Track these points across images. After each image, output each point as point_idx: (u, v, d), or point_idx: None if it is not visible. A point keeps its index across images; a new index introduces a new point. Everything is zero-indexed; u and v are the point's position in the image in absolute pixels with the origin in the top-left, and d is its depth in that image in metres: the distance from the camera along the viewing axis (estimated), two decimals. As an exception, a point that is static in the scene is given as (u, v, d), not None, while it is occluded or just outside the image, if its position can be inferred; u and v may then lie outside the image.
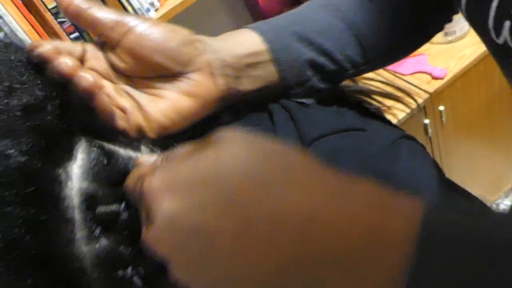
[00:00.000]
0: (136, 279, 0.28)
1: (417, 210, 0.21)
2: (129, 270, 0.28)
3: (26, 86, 0.27)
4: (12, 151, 0.24)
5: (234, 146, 0.24)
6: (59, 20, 1.15)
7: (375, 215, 0.21)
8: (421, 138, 1.24)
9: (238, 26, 1.53)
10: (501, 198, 1.80)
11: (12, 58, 0.29)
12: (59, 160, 0.27)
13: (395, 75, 1.35)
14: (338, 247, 0.21)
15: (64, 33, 1.16)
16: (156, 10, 1.20)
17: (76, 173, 0.28)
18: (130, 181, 0.28)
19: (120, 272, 0.27)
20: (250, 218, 0.22)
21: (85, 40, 1.21)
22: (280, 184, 0.22)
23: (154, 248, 0.25)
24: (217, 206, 0.22)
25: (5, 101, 0.26)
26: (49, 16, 1.12)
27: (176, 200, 0.23)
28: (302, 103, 0.40)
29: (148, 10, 1.18)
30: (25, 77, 0.28)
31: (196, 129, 0.38)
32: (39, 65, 0.29)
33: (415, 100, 0.55)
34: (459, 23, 1.32)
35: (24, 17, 1.10)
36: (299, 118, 0.38)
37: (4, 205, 0.24)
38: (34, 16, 1.12)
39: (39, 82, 0.28)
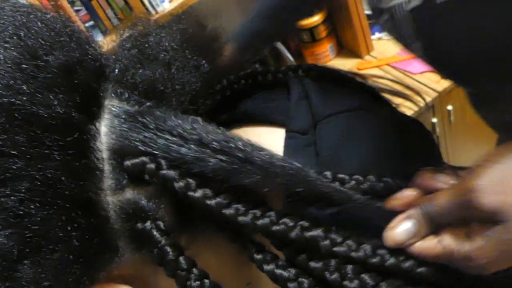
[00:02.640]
0: (155, 232, 0.30)
1: None
2: (148, 223, 0.30)
3: (64, 46, 0.29)
4: (55, 102, 0.27)
5: None
6: (75, 8, 1.17)
7: None
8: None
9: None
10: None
11: (50, 19, 0.31)
12: (90, 117, 0.30)
13: (404, 74, 1.36)
14: None
15: (80, 21, 1.18)
16: (170, 1, 1.22)
17: (104, 130, 0.30)
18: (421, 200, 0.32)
19: (139, 225, 0.30)
20: None
21: (100, 29, 1.23)
22: None
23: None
24: None
25: (45, 58, 0.28)
26: (65, 4, 1.14)
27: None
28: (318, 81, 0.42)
29: (162, 1, 1.20)
30: (62, 38, 0.30)
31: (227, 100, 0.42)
32: (72, 29, 0.32)
33: (423, 99, 0.58)
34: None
35: (41, 3, 1.12)
36: (313, 94, 0.39)
37: (45, 147, 0.26)
38: (51, 4, 1.14)
39: (74, 44, 0.30)
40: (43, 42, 0.28)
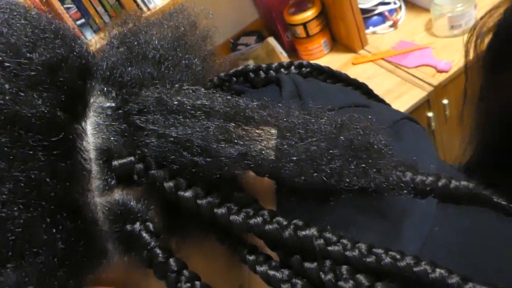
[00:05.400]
0: (144, 234, 0.29)
1: None
2: (137, 225, 0.29)
3: (48, 43, 0.29)
4: (39, 101, 0.26)
5: None
6: (65, 6, 1.16)
7: None
8: (424, 131, 1.23)
9: (242, 14, 1.53)
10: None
11: (34, 16, 0.30)
12: (76, 116, 0.29)
13: (400, 68, 1.35)
14: None
15: (70, 19, 1.17)
16: (162, -3, 1.21)
17: (90, 130, 0.29)
18: None
19: (128, 226, 0.29)
20: None
21: (91, 27, 1.21)
22: None
23: None
24: None
25: (29, 55, 0.27)
26: (55, 2, 1.13)
27: None
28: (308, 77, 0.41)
29: (154, -2, 1.18)
30: (46, 35, 0.29)
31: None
32: (58, 26, 0.31)
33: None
34: (465, 17, 1.32)
35: (30, 1, 1.11)
36: (304, 92, 0.39)
37: (29, 148, 0.25)
38: (41, 1, 1.12)
39: (59, 41, 0.30)
40: (26, 39, 0.28)
